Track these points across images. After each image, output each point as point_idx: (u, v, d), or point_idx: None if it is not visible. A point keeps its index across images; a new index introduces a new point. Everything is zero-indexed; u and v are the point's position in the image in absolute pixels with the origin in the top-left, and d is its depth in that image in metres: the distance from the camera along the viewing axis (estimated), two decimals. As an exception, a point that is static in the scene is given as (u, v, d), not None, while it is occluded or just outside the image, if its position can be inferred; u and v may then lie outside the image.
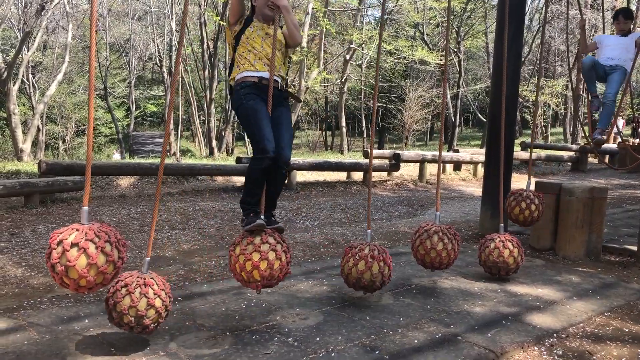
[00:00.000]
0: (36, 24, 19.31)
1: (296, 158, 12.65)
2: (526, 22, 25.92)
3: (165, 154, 3.01)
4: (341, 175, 12.01)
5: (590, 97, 5.96)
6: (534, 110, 8.11)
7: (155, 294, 2.75)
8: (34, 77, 25.36)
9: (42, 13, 18.96)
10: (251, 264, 3.04)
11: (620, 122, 15.33)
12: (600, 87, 6.21)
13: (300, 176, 11.17)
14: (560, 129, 31.10)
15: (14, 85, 18.05)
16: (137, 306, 2.69)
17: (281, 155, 3.24)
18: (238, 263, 3.10)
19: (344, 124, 26.41)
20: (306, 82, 19.30)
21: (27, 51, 20.50)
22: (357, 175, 11.82)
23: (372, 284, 3.59)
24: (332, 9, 21.93)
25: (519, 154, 14.28)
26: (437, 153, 13.69)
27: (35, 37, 20.77)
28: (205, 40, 21.32)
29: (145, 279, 2.77)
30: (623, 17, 5.79)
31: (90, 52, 2.51)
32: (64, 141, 28.35)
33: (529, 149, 15.91)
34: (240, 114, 3.33)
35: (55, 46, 26.91)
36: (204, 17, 20.86)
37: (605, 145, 15.82)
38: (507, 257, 4.26)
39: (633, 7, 21.29)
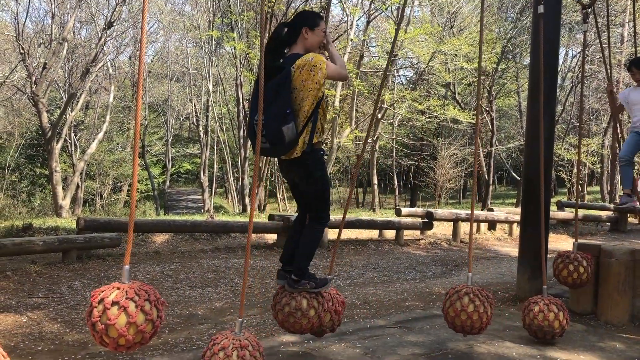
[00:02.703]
0: (81, 86, 20.24)
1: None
2: (559, 81, 25.94)
3: (252, 213, 3.08)
4: (373, 233, 11.92)
5: (622, 192, 5.77)
6: (576, 172, 7.98)
7: (251, 356, 2.80)
8: (75, 136, 26.33)
9: (87, 76, 19.88)
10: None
11: None
12: None
13: (332, 234, 11.13)
14: (597, 188, 30.47)
15: (57, 144, 18.75)
16: None
17: None
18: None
19: (375, 181, 26.43)
20: (338, 140, 19.54)
21: (71, 111, 21.41)
22: (390, 234, 11.71)
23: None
24: (364, 70, 22.39)
25: (555, 213, 14.00)
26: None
27: (79, 98, 21.73)
28: (241, 100, 21.93)
29: (240, 340, 2.84)
30: (636, 67, 5.63)
31: (135, 119, 2.61)
32: (101, 197, 29.03)
33: (572, 208, 15.58)
34: (323, 181, 3.36)
35: (96, 106, 28.05)
36: (240, 79, 21.53)
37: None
38: (552, 320, 4.17)
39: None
